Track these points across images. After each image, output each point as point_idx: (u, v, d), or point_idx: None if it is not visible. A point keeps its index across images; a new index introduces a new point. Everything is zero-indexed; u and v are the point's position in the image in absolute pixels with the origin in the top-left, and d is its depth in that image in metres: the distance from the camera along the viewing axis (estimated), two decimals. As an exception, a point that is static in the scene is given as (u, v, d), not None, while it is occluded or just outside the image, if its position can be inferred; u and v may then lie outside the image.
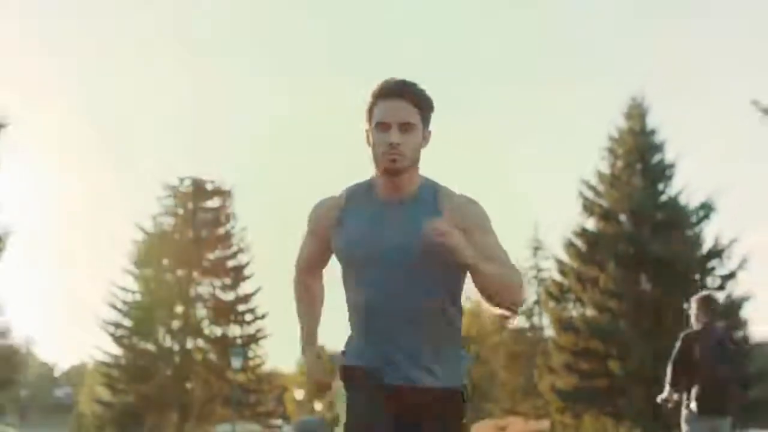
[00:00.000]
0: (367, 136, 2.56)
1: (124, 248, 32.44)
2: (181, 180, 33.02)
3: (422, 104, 2.52)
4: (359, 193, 2.62)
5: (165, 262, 32.06)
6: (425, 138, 2.56)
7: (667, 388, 6.30)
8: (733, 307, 24.86)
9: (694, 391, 6.15)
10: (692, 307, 6.37)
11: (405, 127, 2.48)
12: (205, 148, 68.76)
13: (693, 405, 6.16)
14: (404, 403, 2.49)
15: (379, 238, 2.52)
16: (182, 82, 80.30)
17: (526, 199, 64.96)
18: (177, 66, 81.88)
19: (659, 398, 6.36)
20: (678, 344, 6.32)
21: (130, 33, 78.51)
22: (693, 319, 6.36)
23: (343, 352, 2.66)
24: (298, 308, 2.80)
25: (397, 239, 2.51)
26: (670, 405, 6.32)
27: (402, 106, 2.48)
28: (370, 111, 2.53)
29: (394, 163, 2.48)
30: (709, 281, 25.33)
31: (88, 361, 64.64)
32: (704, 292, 6.49)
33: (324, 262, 2.74)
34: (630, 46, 68.64)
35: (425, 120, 2.54)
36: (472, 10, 75.62)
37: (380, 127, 2.49)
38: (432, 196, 2.57)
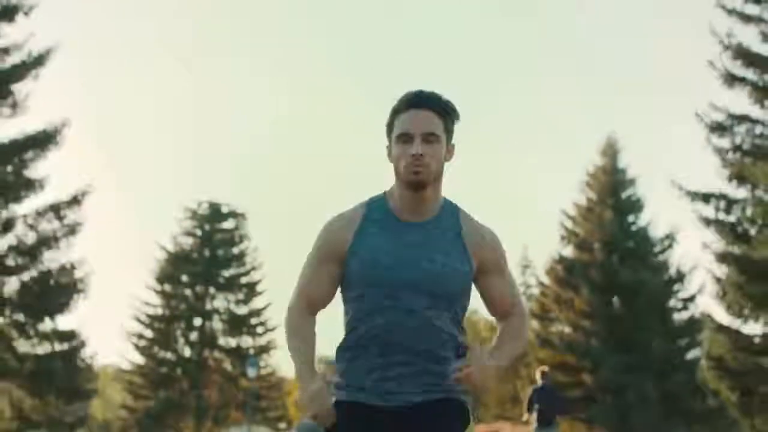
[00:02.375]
0: (389, 151, 2.39)
1: (148, 265, 34.10)
2: (199, 203, 35.09)
3: (446, 115, 2.36)
4: (376, 211, 2.41)
5: (184, 278, 33.85)
6: (449, 152, 2.39)
7: (525, 413, 12.53)
8: (694, 326, 26.93)
9: (535, 414, 12.30)
10: (537, 374, 12.74)
11: (428, 138, 2.31)
12: (208, 153, 68.65)
13: (535, 423, 12.28)
14: (415, 423, 2.36)
15: (399, 262, 2.34)
16: (183, 84, 79.72)
17: (523, 199, 64.30)
18: (178, 68, 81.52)
19: (523, 417, 12.03)
20: (529, 391, 12.66)
21: (131, 34, 77.77)
22: (537, 379, 12.65)
23: (336, 384, 2.44)
24: (292, 341, 2.44)
25: (419, 264, 2.34)
26: (528, 422, 11.79)
27: (425, 115, 2.32)
28: (391, 124, 2.37)
29: (418, 176, 2.30)
30: (672, 303, 27.40)
31: (95, 365, 66.47)
32: (542, 367, 12.07)
33: (331, 295, 2.46)
34: (630, 45, 67.02)
35: (449, 132, 2.38)
36: (472, 10, 72.99)
37: (402, 138, 2.33)
38: (454, 218, 2.41)
